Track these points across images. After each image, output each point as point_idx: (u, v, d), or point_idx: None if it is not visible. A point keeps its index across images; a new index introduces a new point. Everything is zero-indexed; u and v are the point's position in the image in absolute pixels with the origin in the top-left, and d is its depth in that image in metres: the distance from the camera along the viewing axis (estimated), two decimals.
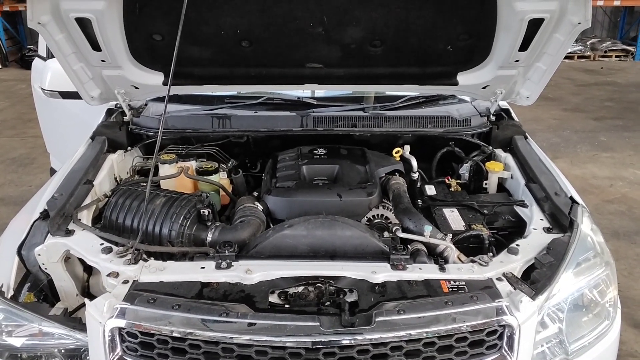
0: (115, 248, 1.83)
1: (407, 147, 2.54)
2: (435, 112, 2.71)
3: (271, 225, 2.17)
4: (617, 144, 6.74)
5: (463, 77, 2.44)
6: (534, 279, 1.72)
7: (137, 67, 2.35)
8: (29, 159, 6.18)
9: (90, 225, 2.03)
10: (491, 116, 2.69)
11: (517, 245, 1.86)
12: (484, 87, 2.49)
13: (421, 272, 1.73)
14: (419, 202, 2.27)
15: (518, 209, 2.18)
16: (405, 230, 1.97)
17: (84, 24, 2.08)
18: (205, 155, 2.58)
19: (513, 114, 2.78)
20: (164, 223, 2.01)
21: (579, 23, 2.03)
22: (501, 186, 2.51)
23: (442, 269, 1.74)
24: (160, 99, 2.71)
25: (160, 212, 2.03)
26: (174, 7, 1.96)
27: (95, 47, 2.18)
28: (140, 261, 1.77)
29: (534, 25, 2.09)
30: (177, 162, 2.38)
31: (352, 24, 2.15)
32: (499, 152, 2.61)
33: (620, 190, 5.41)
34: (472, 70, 2.41)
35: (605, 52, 12.05)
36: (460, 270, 1.74)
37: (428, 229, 1.86)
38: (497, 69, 2.35)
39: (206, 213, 2.04)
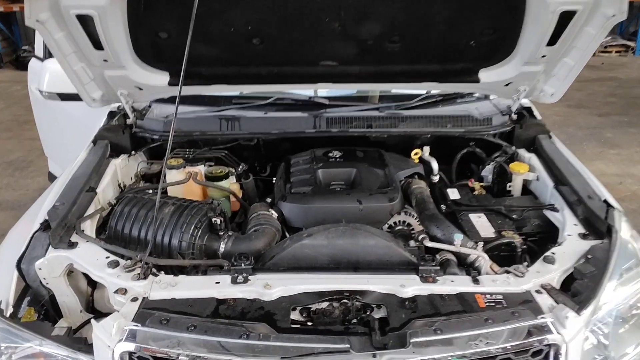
0: (122, 261, 1.70)
1: (427, 149, 2.41)
2: (454, 111, 2.58)
3: (287, 233, 2.04)
4: (623, 140, 6.62)
5: (485, 74, 2.32)
6: (576, 290, 1.59)
7: (142, 67, 2.22)
8: (25, 162, 6.03)
9: (94, 236, 1.90)
10: (513, 115, 2.57)
11: (553, 253, 1.74)
12: (506, 85, 2.36)
13: (453, 284, 1.60)
14: (443, 207, 2.14)
15: (548, 213, 2.06)
16: (432, 238, 1.84)
17: (85, 21, 1.94)
18: (213, 159, 2.45)
19: (536, 112, 2.66)
20: (173, 233, 1.88)
21: (614, 15, 1.90)
22: (525, 188, 2.39)
23: (475, 281, 1.62)
24: (164, 100, 2.58)
25: (170, 222, 1.90)
26: (181, 2, 1.83)
27: (97, 45, 2.05)
28: (150, 276, 1.64)
29: (565, 18, 1.97)
30: (184, 167, 2.25)
31: (370, 19, 2.02)
32: (522, 152, 2.48)
33: (630, 187, 5.30)
34: (495, 67, 2.28)
35: (605, 47, 11.91)
36: (495, 282, 1.62)
37: (458, 237, 1.74)
38: (522, 65, 2.23)
39: (218, 222, 1.92)
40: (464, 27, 2.08)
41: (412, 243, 1.83)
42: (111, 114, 2.60)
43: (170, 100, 2.50)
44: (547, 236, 2.01)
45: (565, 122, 7.30)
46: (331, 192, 2.10)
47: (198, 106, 2.61)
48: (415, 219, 2.09)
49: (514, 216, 2.04)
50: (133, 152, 2.45)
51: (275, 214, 2.04)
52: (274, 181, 2.38)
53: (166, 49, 2.16)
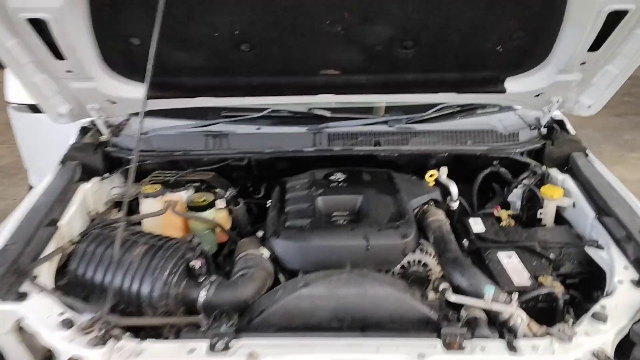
0: (79, 319, 1.40)
1: (444, 170, 2.08)
2: (475, 124, 2.25)
3: (280, 276, 1.73)
4: None
5: (512, 84, 1.99)
6: None
7: (113, 78, 1.90)
8: (15, 168, 5.73)
9: (52, 283, 1.59)
10: (542, 129, 2.23)
11: (603, 307, 1.42)
12: (536, 95, 2.03)
13: (485, 354, 1.29)
14: (465, 242, 1.82)
15: (591, 250, 1.74)
16: (456, 289, 1.52)
17: (41, 27, 1.63)
18: (199, 182, 2.13)
19: (568, 126, 2.32)
20: (144, 280, 1.57)
21: None
22: (558, 215, 2.06)
23: (512, 348, 1.31)
24: (145, 113, 2.26)
25: (140, 266, 1.60)
26: (153, 3, 1.52)
27: (58, 54, 1.74)
28: (111, 340, 1.34)
29: (612, 19, 1.64)
30: (163, 195, 1.94)
31: (379, 21, 1.70)
32: (554, 173, 2.15)
33: None
34: (524, 75, 1.95)
35: None
36: (537, 349, 1.31)
37: (489, 290, 1.41)
38: (557, 73, 1.90)
39: (197, 266, 1.60)
40: (490, 30, 1.75)
41: (431, 295, 1.51)
42: (83, 130, 2.28)
43: (152, 112, 2.19)
44: (589, 278, 1.70)
45: (581, 124, 6.85)
46: (333, 227, 1.78)
47: (181, 119, 2.30)
48: (433, 257, 1.77)
49: (551, 256, 1.72)
50: (107, 175, 2.14)
51: (266, 253, 1.73)
52: (268, 205, 2.07)
53: (140, 57, 1.84)
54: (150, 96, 1.99)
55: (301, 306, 1.45)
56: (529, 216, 2.05)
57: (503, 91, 2.00)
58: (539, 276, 1.61)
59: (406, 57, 1.85)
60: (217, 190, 2.19)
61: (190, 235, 1.73)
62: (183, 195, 1.99)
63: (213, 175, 2.16)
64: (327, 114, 2.32)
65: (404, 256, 1.72)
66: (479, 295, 1.46)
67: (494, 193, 2.39)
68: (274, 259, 1.74)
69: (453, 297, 1.47)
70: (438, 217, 1.84)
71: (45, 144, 3.35)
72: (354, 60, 1.86)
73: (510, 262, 1.69)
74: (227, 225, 2.07)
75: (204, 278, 1.62)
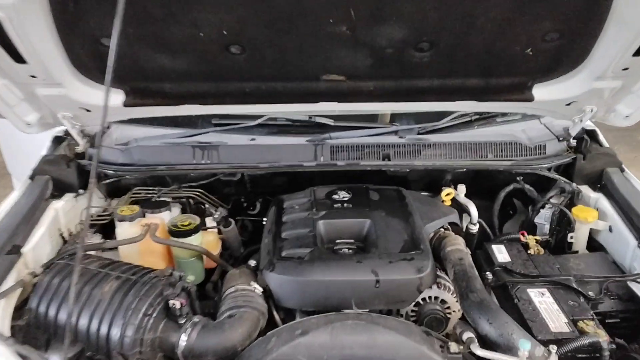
0: None
1: (462, 188, 1.84)
2: (496, 134, 2.01)
3: (275, 315, 1.50)
4: None
5: (541, 91, 1.75)
6: None
7: (85, 84, 1.67)
8: (4, 169, 5.52)
9: (9, 324, 1.36)
10: (571, 140, 1.99)
11: None
12: (568, 104, 1.79)
13: None
14: (488, 275, 1.58)
15: (633, 285, 1.50)
16: (485, 341, 1.28)
17: None
18: (184, 200, 1.90)
19: (601, 137, 2.07)
20: (114, 321, 1.35)
21: None
22: (590, 237, 1.83)
23: None
24: (128, 120, 2.03)
25: (110, 304, 1.37)
26: None
27: (19, 57, 1.50)
28: None
29: None
30: (141, 217, 1.70)
31: (390, 21, 1.45)
32: (585, 191, 1.91)
33: None
34: (556, 82, 1.71)
35: None
36: None
37: (525, 345, 1.17)
38: (593, 79, 1.65)
39: (177, 306, 1.37)
40: (519, 31, 1.50)
41: (453, 346, 1.27)
42: (56, 140, 2.04)
43: (135, 120, 1.96)
44: (632, 317, 1.46)
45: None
46: (336, 258, 1.54)
47: (167, 128, 2.05)
48: (452, 294, 1.53)
49: (590, 293, 1.48)
50: (82, 191, 1.91)
51: (259, 289, 1.49)
52: (264, 222, 1.83)
53: (114, 61, 1.60)
54: (130, 103, 1.79)
55: (299, 358, 1.22)
56: (557, 240, 1.81)
57: (531, 99, 1.76)
58: (578, 320, 1.37)
59: (421, 61, 1.61)
60: (207, 206, 1.97)
61: (169, 269, 1.49)
62: (165, 217, 1.76)
63: (201, 193, 1.92)
64: (330, 122, 2.08)
65: (419, 293, 1.48)
66: (510, 348, 1.22)
67: (514, 209, 2.15)
68: (268, 294, 1.51)
69: (480, 352, 1.22)
70: (458, 246, 1.59)
71: (28, 148, 3.12)
72: (361, 65, 1.62)
73: (543, 301, 1.45)
74: (217, 249, 1.84)
75: (185, 319, 1.39)
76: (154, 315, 1.37)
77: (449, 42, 1.54)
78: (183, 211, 1.96)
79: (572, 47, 1.57)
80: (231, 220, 1.86)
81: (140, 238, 1.61)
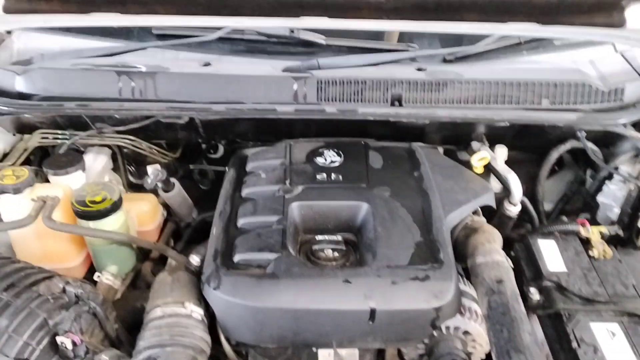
0: None
1: (503, 151, 1.29)
2: (553, 67, 1.41)
3: (226, 348, 1.03)
4: None
5: (637, 13, 1.13)
6: None
7: None
8: None
9: None
10: None
11: None
12: None
13: None
14: (534, 295, 1.09)
15: None
16: None
17: None
18: (109, 149, 1.36)
19: None
20: None
21: None
22: None
23: None
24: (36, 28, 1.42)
25: None
26: None
27: None
28: None
29: None
30: (32, 186, 1.16)
31: None
32: None
33: None
34: None
35: None
36: None
37: None
38: None
39: (68, 345, 0.90)
40: None
41: None
42: None
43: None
44: None
45: None
46: (314, 274, 1.01)
47: (86, 36, 1.45)
48: (480, 323, 1.05)
49: None
50: None
51: (198, 312, 1.01)
52: (226, 172, 1.32)
53: None
54: (13, 8, 1.18)
55: None
56: (631, 231, 1.29)
57: (620, 24, 1.14)
58: None
59: None
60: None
61: (63, 280, 0.99)
62: (75, 180, 1.22)
63: (133, 139, 1.37)
64: (321, 39, 1.46)
65: (434, 329, 1.00)
66: None
67: (560, 165, 1.61)
68: (212, 323, 1.03)
69: None
70: (496, 255, 1.07)
71: None
72: None
73: (615, 344, 0.98)
74: (156, 219, 1.34)
75: (84, 357, 0.93)
76: (35, 354, 0.91)
77: None
78: (114, 160, 1.44)
79: None
80: (174, 181, 1.34)
81: (28, 222, 1.09)
